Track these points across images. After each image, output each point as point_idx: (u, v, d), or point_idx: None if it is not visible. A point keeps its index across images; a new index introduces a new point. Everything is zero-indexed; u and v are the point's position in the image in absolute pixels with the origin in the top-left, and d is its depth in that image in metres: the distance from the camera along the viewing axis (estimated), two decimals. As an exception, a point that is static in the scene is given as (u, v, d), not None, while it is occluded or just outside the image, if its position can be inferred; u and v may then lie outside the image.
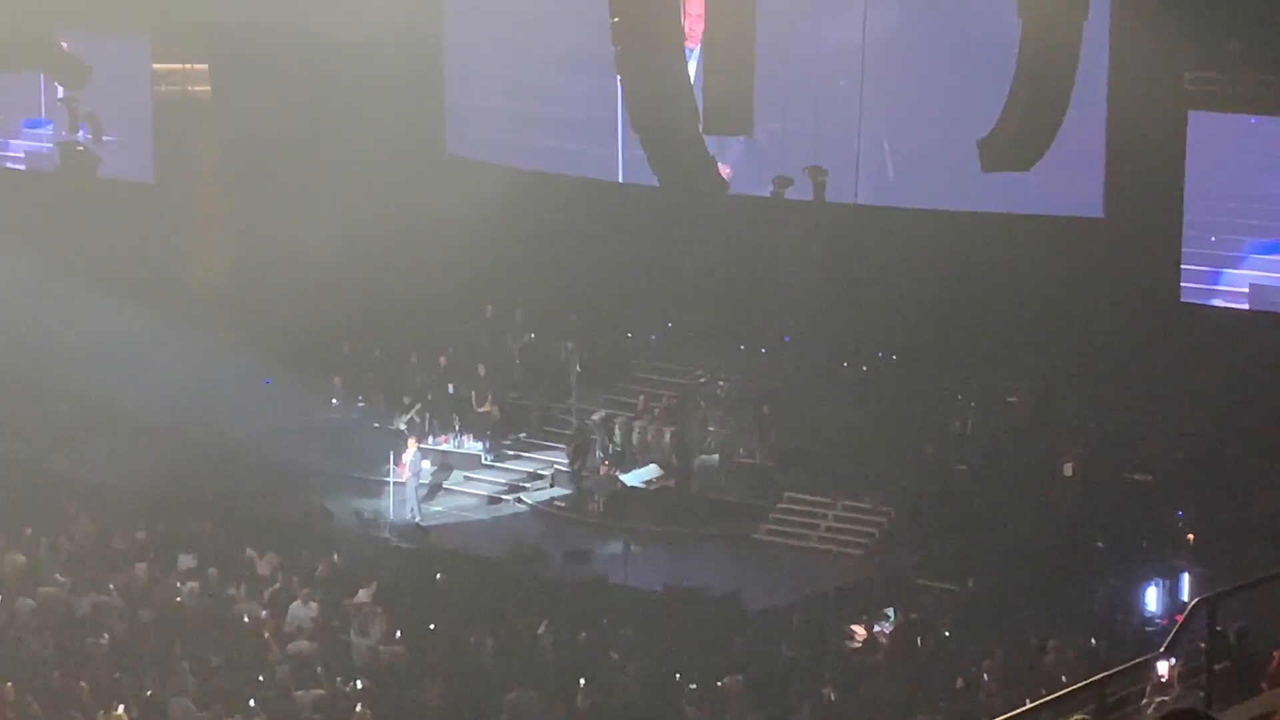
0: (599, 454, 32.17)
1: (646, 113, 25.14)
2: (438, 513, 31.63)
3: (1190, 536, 27.61)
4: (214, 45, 37.40)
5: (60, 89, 34.12)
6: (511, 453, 33.47)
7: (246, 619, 26.31)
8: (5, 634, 25.78)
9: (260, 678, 24.46)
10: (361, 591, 26.95)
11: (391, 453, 31.60)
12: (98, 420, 34.21)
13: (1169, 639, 12.79)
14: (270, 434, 33.60)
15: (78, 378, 33.94)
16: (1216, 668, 13.12)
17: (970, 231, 31.03)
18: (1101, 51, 28.10)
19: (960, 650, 25.44)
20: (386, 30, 33.90)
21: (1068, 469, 29.61)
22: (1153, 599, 26.68)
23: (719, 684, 24.09)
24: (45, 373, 34.47)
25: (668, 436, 32.09)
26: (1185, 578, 26.63)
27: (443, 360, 35.10)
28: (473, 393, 34.01)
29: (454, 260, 34.84)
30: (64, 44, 31.93)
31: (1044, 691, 22.04)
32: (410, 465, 31.38)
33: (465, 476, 32.89)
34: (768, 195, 29.23)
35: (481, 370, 34.42)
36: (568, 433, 32.99)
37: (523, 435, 33.80)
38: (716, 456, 31.83)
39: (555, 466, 32.64)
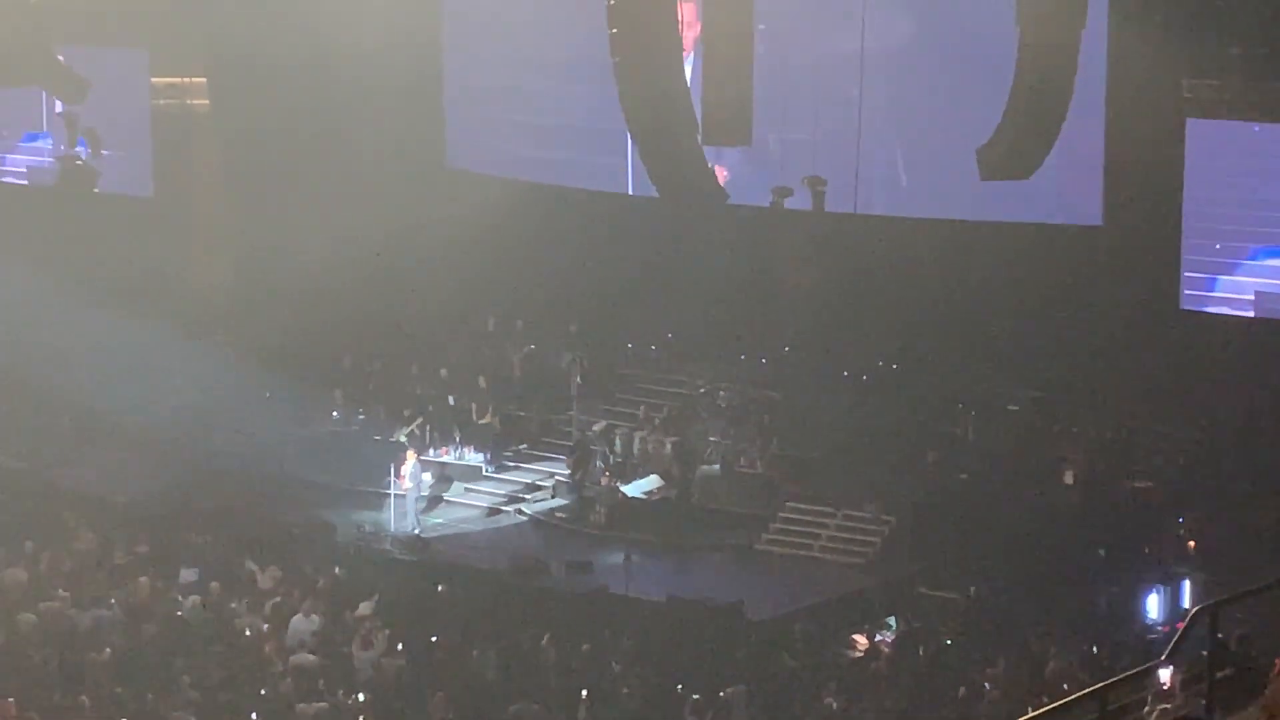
0: (600, 465, 32.17)
1: (645, 123, 25.17)
2: (438, 524, 31.62)
3: (1191, 543, 27.62)
4: (212, 58, 37.45)
5: (59, 104, 34.16)
6: (512, 464, 33.47)
7: (248, 632, 26.27)
8: (6, 649, 25.75)
9: (262, 691, 24.42)
10: (363, 604, 26.92)
11: (392, 465, 31.60)
12: (99, 434, 34.22)
13: (1170, 646, 12.76)
14: (271, 447, 33.60)
15: (79, 391, 33.96)
16: (1218, 675, 13.10)
17: (970, 240, 31.06)
18: (1100, 60, 28.14)
19: (962, 659, 25.42)
20: (385, 42, 33.97)
21: (1069, 476, 29.61)
22: (1154, 606, 26.65)
23: (721, 694, 24.06)
24: (46, 387, 34.48)
25: (669, 447, 32.09)
26: (1186, 585, 26.60)
27: (443, 372, 35.11)
28: (473, 404, 34.01)
29: (453, 272, 34.86)
30: (61, 58, 31.94)
31: (1046, 700, 22.09)
32: (410, 477, 31.37)
33: (466, 488, 32.89)
34: (767, 205, 29.28)
35: (482, 382, 34.43)
36: (568, 444, 32.98)
37: (523, 446, 33.80)
38: (717, 466, 31.84)
39: (556, 477, 32.63)
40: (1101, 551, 28.16)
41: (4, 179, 38.51)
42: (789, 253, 32.82)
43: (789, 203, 28.87)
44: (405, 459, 31.70)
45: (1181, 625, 13.01)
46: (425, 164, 36.04)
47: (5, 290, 34.66)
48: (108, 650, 25.51)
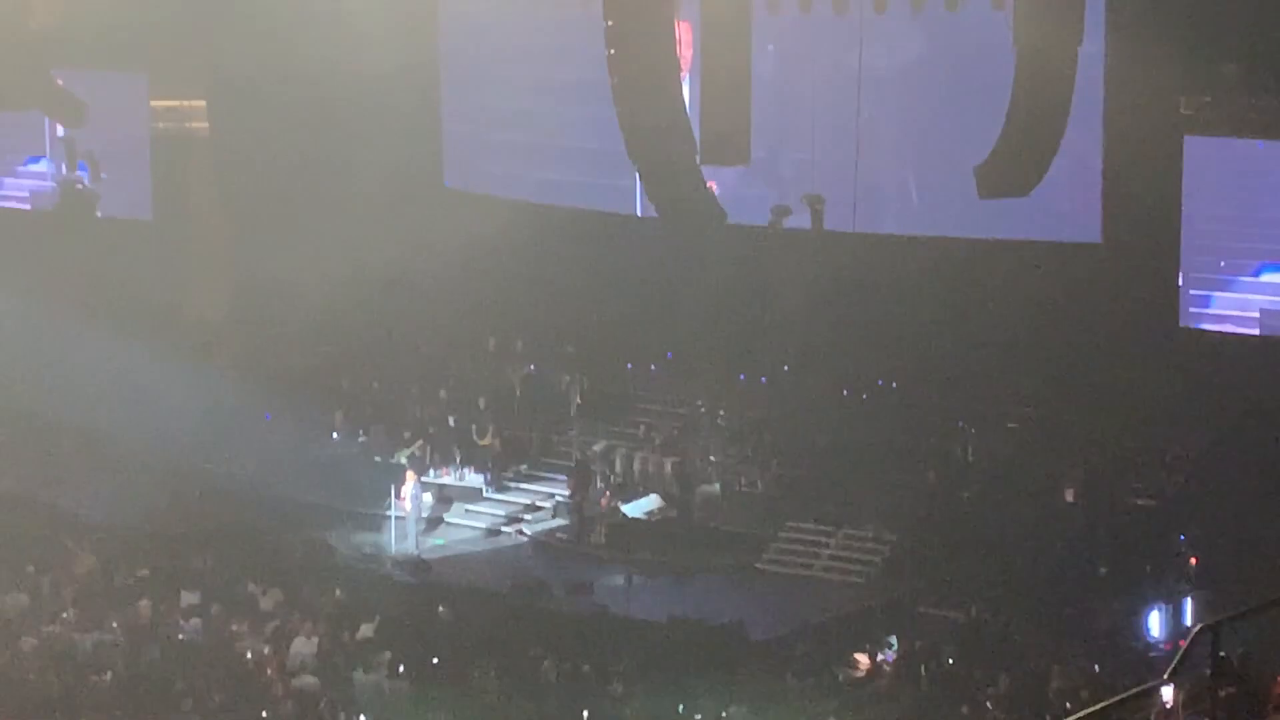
0: (600, 485, 32.16)
1: (643, 144, 25.20)
2: (439, 546, 31.61)
3: (1193, 560, 27.57)
4: (211, 82, 37.50)
5: (60, 128, 34.25)
6: (512, 485, 33.45)
7: (249, 655, 26.25)
8: (8, 673, 25.72)
9: (264, 714, 24.38)
10: (364, 626, 26.90)
11: (392, 486, 31.59)
12: (99, 457, 34.21)
13: (1173, 664, 12.73)
14: (271, 468, 33.59)
15: (78, 415, 33.97)
16: (1221, 693, 13.08)
17: (968, 258, 31.06)
18: (1097, 77, 28.19)
19: (964, 678, 25.38)
20: (383, 65, 33.98)
21: (1069, 494, 29.60)
22: (1156, 624, 26.64)
23: (723, 714, 24.04)
24: (46, 410, 34.49)
25: (669, 467, 32.08)
26: (1188, 602, 26.60)
27: (443, 393, 35.11)
28: (473, 425, 34.01)
29: (453, 293, 34.86)
30: (61, 82, 31.99)
31: (1048, 718, 22.09)
32: (411, 498, 31.37)
33: (466, 509, 32.87)
34: (765, 224, 29.29)
35: (482, 403, 34.43)
36: (568, 464, 32.97)
37: (523, 467, 33.79)
38: (718, 486, 31.83)
39: (556, 498, 32.62)
40: (1103, 569, 28.14)
41: (7, 203, 38.55)
42: (788, 272, 32.82)
43: (788, 222, 28.89)
44: (405, 480, 31.70)
45: (1183, 643, 12.99)
46: (424, 185, 36.07)
47: (6, 313, 34.66)
48: (109, 673, 25.49)
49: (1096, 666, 25.01)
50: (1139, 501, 29.30)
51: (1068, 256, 30.54)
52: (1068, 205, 29.51)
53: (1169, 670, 12.94)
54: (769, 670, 25.87)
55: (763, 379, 33.99)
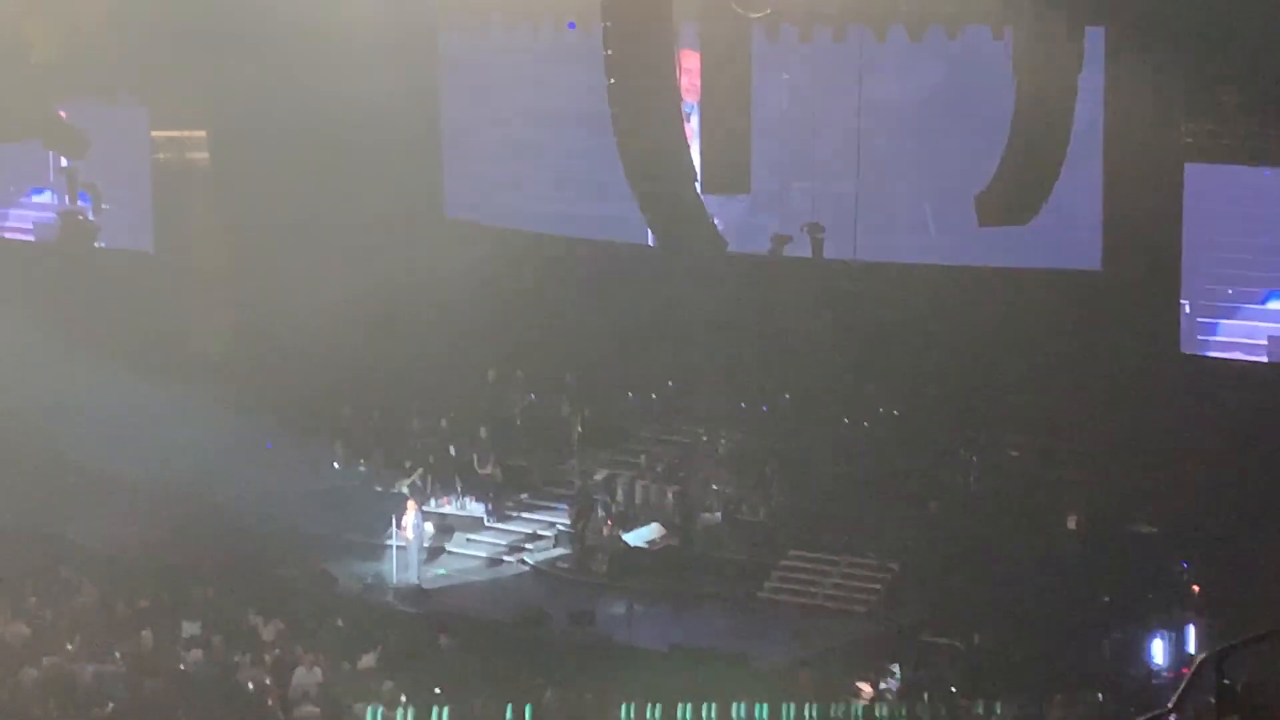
0: (601, 514, 32.12)
1: (643, 173, 25.23)
2: (440, 575, 31.56)
3: (1196, 588, 27.52)
4: (213, 112, 37.53)
5: (63, 159, 34.29)
6: (514, 514, 33.41)
7: (251, 685, 26.18)
8: (9, 704, 25.65)
9: (265, 744, 24.35)
10: (366, 656, 26.85)
11: (393, 516, 31.57)
12: (100, 488, 34.14)
13: (1177, 693, 12.70)
14: (272, 498, 33.56)
15: (80, 445, 33.93)
16: (1225, 722, 13.04)
17: (969, 286, 31.07)
18: (1097, 104, 28.22)
19: (967, 706, 25.32)
20: (384, 94, 34.02)
21: (1071, 522, 29.56)
22: (1159, 652, 26.59)
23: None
24: (46, 441, 34.45)
25: (670, 495, 32.05)
26: (1191, 630, 26.54)
27: (444, 423, 35.10)
28: (474, 454, 33.98)
29: (453, 322, 34.86)
30: (63, 114, 32.03)
31: (1052, 747, 22.02)
32: (412, 528, 31.33)
33: (467, 539, 32.82)
34: (766, 253, 29.31)
35: (483, 432, 34.41)
36: (570, 493, 32.95)
37: (525, 496, 33.75)
38: (719, 515, 31.79)
39: (558, 527, 32.57)
40: (1105, 597, 28.08)
41: (10, 234, 38.61)
42: (788, 300, 32.83)
43: (788, 250, 28.91)
44: (406, 510, 31.67)
45: (1187, 671, 12.96)
46: (425, 215, 36.10)
47: (7, 345, 34.66)
48: (110, 704, 25.40)
49: (1100, 695, 24.95)
50: (1141, 529, 29.24)
51: (1068, 284, 30.56)
52: (1068, 233, 29.54)
53: (1173, 700, 12.90)
54: (771, 700, 25.79)
55: (764, 407, 33.97)
